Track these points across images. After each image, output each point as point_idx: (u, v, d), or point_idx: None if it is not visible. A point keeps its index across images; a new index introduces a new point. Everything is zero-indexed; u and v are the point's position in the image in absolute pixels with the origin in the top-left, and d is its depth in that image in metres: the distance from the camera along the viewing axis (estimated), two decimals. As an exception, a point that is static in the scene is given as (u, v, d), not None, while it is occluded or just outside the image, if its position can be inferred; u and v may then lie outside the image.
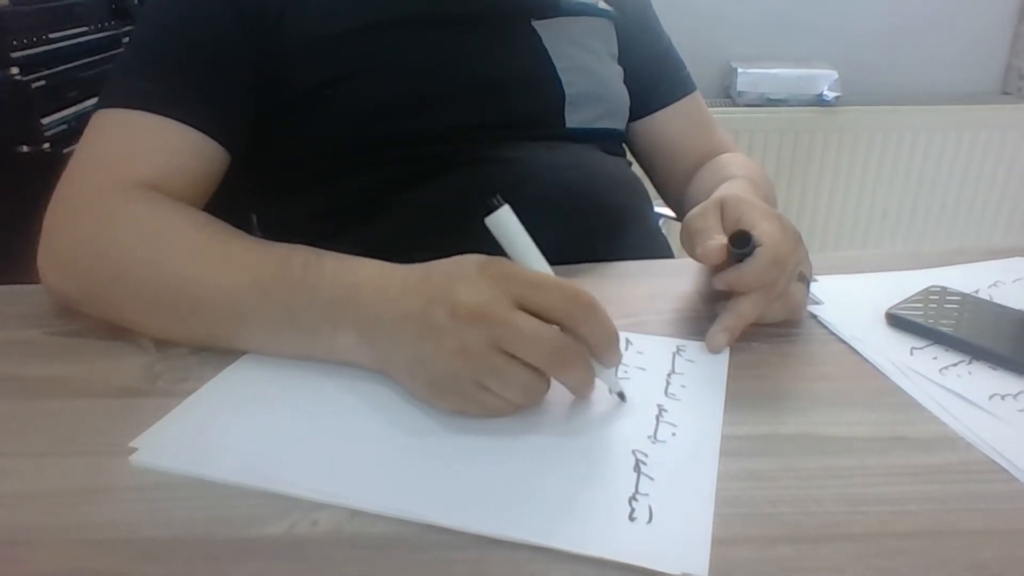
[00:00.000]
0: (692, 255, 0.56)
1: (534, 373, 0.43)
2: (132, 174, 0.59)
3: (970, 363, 0.52)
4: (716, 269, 0.55)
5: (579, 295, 0.43)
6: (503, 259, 0.45)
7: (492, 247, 0.46)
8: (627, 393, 0.47)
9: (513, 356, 0.42)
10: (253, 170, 0.74)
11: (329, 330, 0.48)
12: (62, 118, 1.38)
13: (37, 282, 0.60)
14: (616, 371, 0.47)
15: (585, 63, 0.79)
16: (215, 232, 0.55)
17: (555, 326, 0.43)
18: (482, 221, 0.45)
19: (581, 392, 0.46)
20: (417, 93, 0.71)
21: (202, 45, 0.66)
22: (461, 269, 0.45)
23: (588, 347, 0.44)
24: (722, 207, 0.57)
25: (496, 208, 0.45)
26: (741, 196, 0.58)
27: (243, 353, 0.52)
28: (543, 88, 0.75)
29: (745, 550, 0.36)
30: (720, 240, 0.54)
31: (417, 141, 0.71)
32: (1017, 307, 0.58)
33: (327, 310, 0.48)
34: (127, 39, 1.60)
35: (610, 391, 0.47)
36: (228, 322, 0.51)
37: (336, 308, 0.48)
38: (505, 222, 0.45)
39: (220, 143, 0.65)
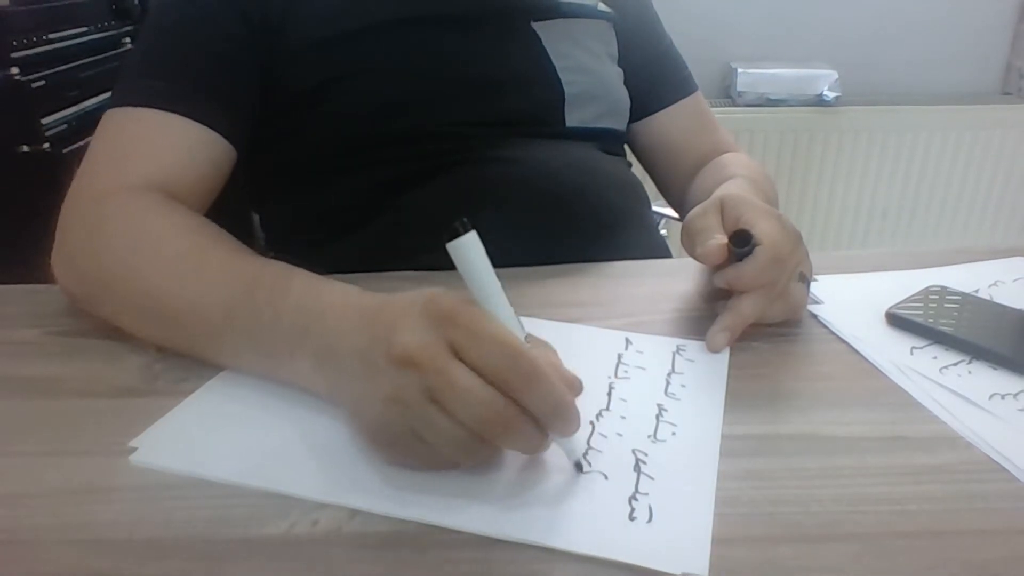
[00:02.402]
0: (693, 255, 0.56)
1: (471, 433, 0.37)
2: (139, 174, 0.60)
3: (970, 362, 0.52)
4: (717, 268, 0.55)
5: (519, 359, 0.36)
6: (451, 297, 0.39)
7: (491, 247, 0.44)
8: (627, 390, 0.47)
9: (446, 410, 0.37)
10: (254, 170, 0.74)
11: (287, 356, 0.46)
12: (62, 118, 1.38)
13: (38, 281, 0.60)
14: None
15: (584, 63, 0.79)
16: (196, 242, 0.54)
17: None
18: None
19: (528, 453, 0.41)
20: (418, 93, 0.71)
21: (209, 44, 0.67)
22: (406, 305, 0.40)
23: (534, 414, 0.38)
24: (722, 207, 0.57)
25: (461, 234, 0.38)
26: (741, 195, 0.58)
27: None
28: (543, 87, 0.76)
29: (745, 550, 0.36)
30: (720, 240, 0.54)
31: (417, 140, 0.71)
32: (1017, 307, 0.58)
33: (287, 336, 0.46)
34: (127, 39, 1.61)
35: (576, 466, 0.41)
36: (198, 339, 0.51)
37: (295, 334, 0.46)
38: (468, 250, 0.38)
39: (229, 139, 0.66)
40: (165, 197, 0.59)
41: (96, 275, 0.55)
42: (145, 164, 0.61)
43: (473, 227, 0.39)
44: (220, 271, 0.52)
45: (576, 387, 0.40)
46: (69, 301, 0.59)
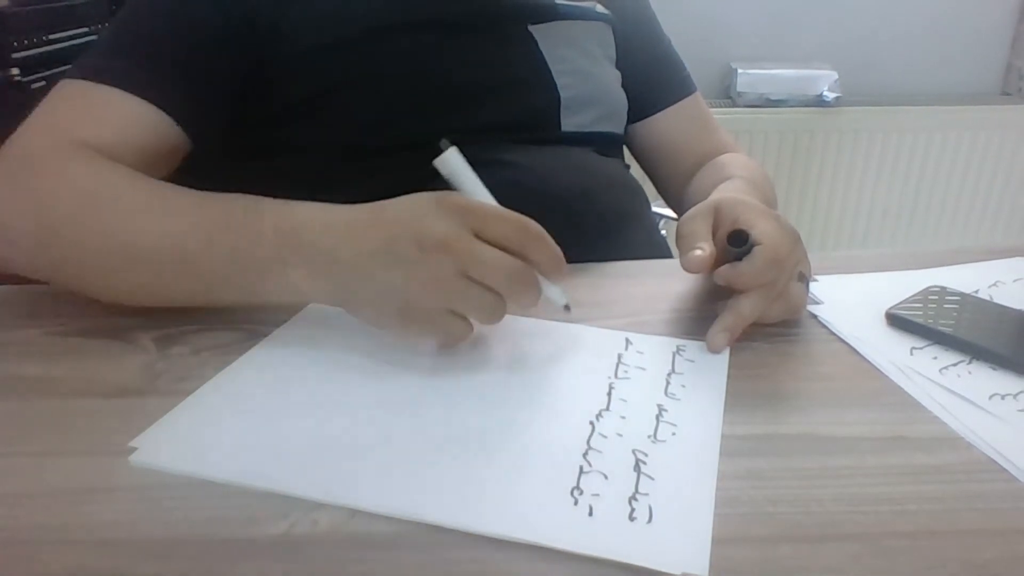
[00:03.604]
0: None
1: (495, 295, 0.47)
2: (76, 137, 0.59)
3: (970, 363, 0.52)
4: (716, 266, 0.54)
5: (529, 226, 0.48)
6: (455, 193, 0.49)
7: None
8: (627, 390, 0.48)
9: (476, 281, 0.46)
10: (251, 177, 0.74)
11: (279, 269, 0.50)
12: (62, 118, 1.37)
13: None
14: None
15: (581, 66, 0.79)
16: (155, 186, 0.56)
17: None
18: None
19: (528, 307, 0.50)
20: (413, 99, 0.71)
21: (177, 29, 0.66)
22: (420, 206, 0.48)
23: (538, 269, 0.49)
24: (718, 210, 0.57)
25: (444, 150, 0.50)
26: (738, 198, 0.58)
27: (242, 351, 0.52)
28: (538, 92, 0.76)
29: (745, 550, 0.36)
30: (704, 250, 0.53)
31: (413, 146, 0.70)
32: (1017, 307, 0.58)
33: (275, 250, 0.50)
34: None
35: (564, 307, 0.53)
36: (171, 270, 0.52)
37: (283, 248, 0.50)
38: (454, 162, 0.50)
39: (178, 122, 0.65)
40: (107, 157, 0.58)
41: (44, 231, 0.55)
42: (81, 132, 0.60)
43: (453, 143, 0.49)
44: (189, 205, 0.54)
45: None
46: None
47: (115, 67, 0.63)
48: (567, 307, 0.53)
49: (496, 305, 0.48)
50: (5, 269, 0.58)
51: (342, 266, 0.49)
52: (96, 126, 0.61)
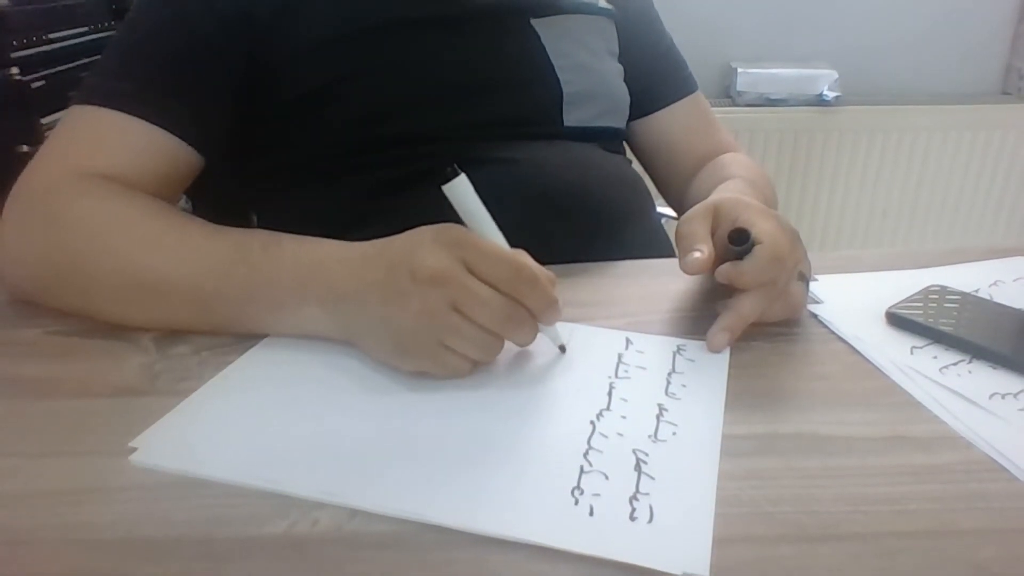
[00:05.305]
0: None
1: (487, 332, 0.47)
2: (90, 167, 0.60)
3: (970, 362, 0.52)
4: (716, 264, 0.54)
5: (522, 270, 0.47)
6: (456, 226, 0.48)
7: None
8: (628, 390, 0.47)
9: (468, 317, 0.46)
10: (252, 172, 0.74)
11: (294, 305, 0.51)
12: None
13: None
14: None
15: (584, 61, 0.79)
16: (171, 219, 0.56)
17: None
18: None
19: (523, 345, 0.50)
20: (415, 94, 0.71)
21: (181, 49, 0.66)
22: (418, 237, 0.48)
23: (530, 312, 0.48)
24: (717, 210, 0.57)
25: (452, 177, 0.48)
26: (737, 198, 0.58)
27: (242, 352, 0.52)
28: (540, 87, 0.75)
29: (746, 549, 0.36)
30: (703, 252, 0.53)
31: (415, 142, 0.71)
32: (1017, 306, 0.58)
33: (291, 286, 0.51)
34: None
35: (560, 348, 0.52)
36: (191, 305, 0.53)
37: (300, 284, 0.51)
38: (462, 191, 0.48)
39: (191, 144, 0.65)
40: (122, 185, 0.59)
41: (57, 261, 0.55)
42: (96, 161, 0.60)
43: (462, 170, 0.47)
44: (205, 241, 0.54)
45: (554, 282, 0.49)
46: (12, 294, 0.59)
47: (123, 91, 0.63)
48: (562, 348, 0.52)
49: (488, 343, 0.47)
50: (25, 300, 0.58)
51: (347, 300, 0.49)
52: (110, 155, 0.61)
